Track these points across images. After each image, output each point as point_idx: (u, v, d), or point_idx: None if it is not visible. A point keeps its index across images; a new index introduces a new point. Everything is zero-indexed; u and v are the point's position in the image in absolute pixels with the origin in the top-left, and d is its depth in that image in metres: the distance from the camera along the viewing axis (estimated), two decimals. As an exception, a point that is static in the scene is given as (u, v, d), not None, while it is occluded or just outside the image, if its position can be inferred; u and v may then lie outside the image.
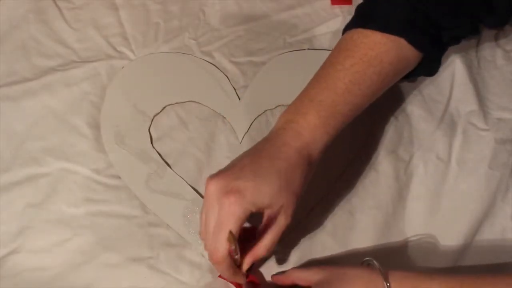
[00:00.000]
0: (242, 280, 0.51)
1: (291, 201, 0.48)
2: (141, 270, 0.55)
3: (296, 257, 0.55)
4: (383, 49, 0.51)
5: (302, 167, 0.48)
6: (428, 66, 0.56)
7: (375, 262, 0.48)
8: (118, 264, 0.55)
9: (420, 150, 0.60)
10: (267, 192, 0.46)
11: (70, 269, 0.55)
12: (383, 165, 0.60)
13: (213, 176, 0.47)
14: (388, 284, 0.45)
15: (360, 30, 0.52)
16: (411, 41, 0.52)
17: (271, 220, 0.48)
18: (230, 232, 0.45)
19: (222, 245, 0.46)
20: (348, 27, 0.54)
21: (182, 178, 0.60)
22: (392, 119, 0.62)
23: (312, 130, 0.49)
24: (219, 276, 0.54)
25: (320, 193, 0.58)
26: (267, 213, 0.48)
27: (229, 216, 0.45)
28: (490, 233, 0.56)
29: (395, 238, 0.56)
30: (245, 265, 0.49)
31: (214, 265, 0.48)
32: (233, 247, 0.46)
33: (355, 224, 0.57)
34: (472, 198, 0.58)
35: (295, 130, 0.49)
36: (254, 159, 0.48)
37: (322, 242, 0.56)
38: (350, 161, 0.60)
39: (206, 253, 0.55)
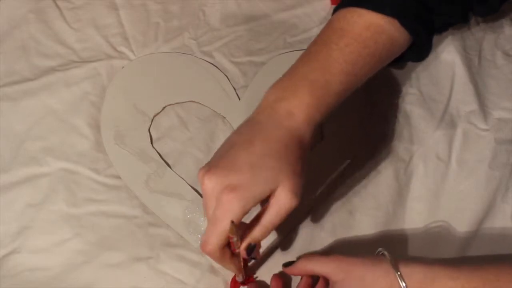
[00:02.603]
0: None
1: (293, 180, 0.45)
2: (141, 270, 0.55)
3: (296, 257, 0.55)
4: (377, 30, 0.51)
5: (295, 149, 0.47)
6: (417, 51, 0.56)
7: (387, 254, 0.47)
8: (118, 264, 0.55)
9: (420, 150, 0.60)
10: (266, 179, 0.45)
11: (70, 269, 0.55)
12: (383, 165, 0.60)
13: (206, 172, 0.45)
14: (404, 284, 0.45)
15: (353, 9, 0.51)
16: (403, 24, 0.51)
17: (273, 200, 0.45)
18: (232, 222, 0.44)
19: (213, 239, 0.45)
20: (339, 7, 0.53)
21: (182, 178, 0.59)
22: (392, 119, 0.62)
23: (305, 110, 0.48)
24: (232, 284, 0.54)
25: (320, 193, 0.58)
26: (270, 198, 0.46)
27: (225, 213, 0.44)
28: (490, 233, 0.56)
29: (395, 238, 0.56)
30: (244, 245, 0.47)
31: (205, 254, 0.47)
32: (235, 239, 0.45)
33: (355, 224, 0.57)
34: (472, 198, 0.58)
35: (286, 110, 0.47)
36: (247, 147, 0.46)
37: (322, 242, 0.56)
38: (350, 161, 0.60)
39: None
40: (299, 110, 0.48)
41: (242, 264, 0.50)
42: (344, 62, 0.50)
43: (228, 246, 0.47)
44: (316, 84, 0.49)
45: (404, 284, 0.45)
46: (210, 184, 0.45)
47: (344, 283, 0.47)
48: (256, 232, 0.46)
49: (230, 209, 0.44)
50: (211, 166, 0.46)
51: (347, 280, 0.47)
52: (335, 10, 0.54)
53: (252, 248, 0.47)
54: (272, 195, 0.45)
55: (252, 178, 0.45)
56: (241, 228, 0.47)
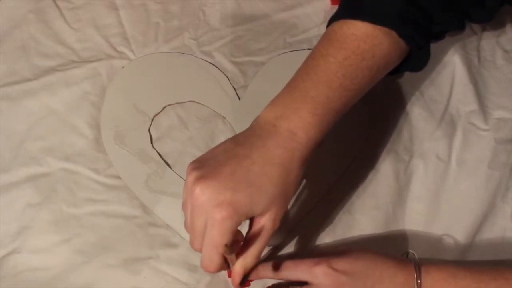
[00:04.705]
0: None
1: (283, 208, 0.46)
2: (141, 270, 0.55)
3: (296, 257, 0.55)
4: (375, 42, 0.49)
5: (295, 171, 0.46)
6: (415, 61, 0.55)
7: (415, 255, 0.48)
8: (118, 264, 0.55)
9: (420, 150, 0.60)
10: (260, 202, 0.44)
11: (70, 269, 0.55)
12: (383, 165, 0.60)
13: (199, 180, 0.44)
14: (417, 279, 0.46)
15: (349, 21, 0.50)
16: (401, 34, 0.50)
17: (259, 226, 0.46)
18: (226, 246, 0.44)
19: (216, 262, 0.45)
20: (335, 18, 0.52)
21: (182, 178, 0.59)
22: (392, 119, 0.62)
23: (307, 130, 0.47)
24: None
25: (320, 193, 0.58)
26: (255, 219, 0.46)
27: (221, 235, 0.44)
28: (490, 233, 0.56)
29: (394, 238, 0.56)
30: (237, 277, 0.47)
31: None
32: (230, 256, 0.45)
33: (355, 224, 0.57)
34: (472, 198, 0.58)
35: (288, 130, 0.47)
36: (245, 164, 0.45)
37: (322, 242, 0.56)
38: (350, 161, 0.60)
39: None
40: (301, 130, 0.47)
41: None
42: (342, 76, 0.48)
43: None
44: (317, 101, 0.48)
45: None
46: (203, 196, 0.44)
47: (359, 250, 0.48)
48: (248, 263, 0.47)
49: (225, 229, 0.43)
50: (205, 175, 0.44)
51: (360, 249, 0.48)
52: (330, 21, 0.52)
53: (245, 278, 0.48)
54: (257, 219, 0.46)
55: (246, 197, 0.44)
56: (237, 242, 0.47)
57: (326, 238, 0.56)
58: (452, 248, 0.56)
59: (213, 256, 0.45)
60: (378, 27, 0.50)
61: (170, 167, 0.60)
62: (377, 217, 0.57)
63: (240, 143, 0.47)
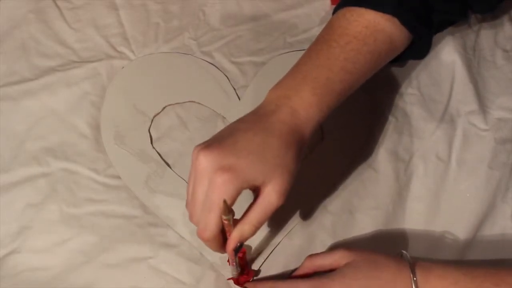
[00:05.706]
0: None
1: (285, 180, 0.46)
2: (141, 270, 0.55)
3: (295, 257, 0.55)
4: (377, 27, 0.51)
5: (294, 146, 0.47)
6: (417, 49, 0.56)
7: (408, 255, 0.48)
8: (118, 264, 0.55)
9: (420, 150, 0.60)
10: (261, 169, 0.45)
11: (70, 269, 0.55)
12: (383, 165, 0.60)
13: (203, 149, 0.45)
14: (415, 279, 0.45)
15: (352, 8, 0.52)
16: (403, 22, 0.52)
17: (262, 196, 0.46)
18: (225, 202, 0.44)
19: (212, 225, 0.45)
20: (339, 6, 0.54)
21: (182, 178, 0.59)
22: (392, 119, 0.62)
23: (307, 108, 0.48)
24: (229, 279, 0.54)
25: (320, 193, 0.58)
26: (259, 190, 0.46)
27: (220, 195, 0.44)
28: (490, 233, 0.56)
29: (395, 238, 0.56)
30: (232, 243, 0.47)
31: (203, 241, 0.47)
32: (227, 217, 0.45)
33: (355, 224, 0.57)
34: (472, 198, 0.58)
35: (289, 107, 0.48)
36: (247, 135, 0.46)
37: (322, 242, 0.56)
38: (350, 161, 0.60)
39: (205, 252, 0.55)
40: (302, 108, 0.48)
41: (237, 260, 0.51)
42: (344, 60, 0.50)
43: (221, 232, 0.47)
44: (318, 82, 0.49)
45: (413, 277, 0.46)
46: (206, 161, 0.45)
47: (354, 262, 0.47)
48: (245, 230, 0.46)
49: (224, 191, 0.44)
50: (209, 145, 0.46)
51: (357, 259, 0.47)
52: (335, 10, 0.54)
53: (239, 247, 0.47)
54: (260, 191, 0.46)
55: (248, 163, 0.45)
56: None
57: (327, 238, 0.56)
58: (452, 247, 0.55)
59: (210, 221, 0.45)
60: (380, 14, 0.51)
61: (170, 167, 0.60)
62: (377, 217, 0.57)
63: (245, 121, 0.49)
